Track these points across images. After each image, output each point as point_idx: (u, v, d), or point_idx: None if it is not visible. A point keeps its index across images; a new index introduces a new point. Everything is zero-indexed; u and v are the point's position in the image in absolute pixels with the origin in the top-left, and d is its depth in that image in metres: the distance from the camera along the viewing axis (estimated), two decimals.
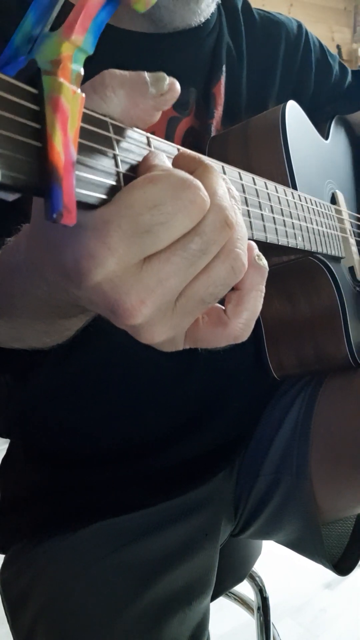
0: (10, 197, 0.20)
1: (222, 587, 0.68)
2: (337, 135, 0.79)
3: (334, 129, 0.77)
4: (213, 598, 0.61)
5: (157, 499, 0.62)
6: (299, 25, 0.74)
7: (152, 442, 0.63)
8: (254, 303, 0.29)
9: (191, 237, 0.25)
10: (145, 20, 0.55)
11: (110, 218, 0.23)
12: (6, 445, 0.70)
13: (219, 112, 0.61)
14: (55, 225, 0.24)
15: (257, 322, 0.64)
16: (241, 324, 0.29)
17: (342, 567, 0.65)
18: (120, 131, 0.24)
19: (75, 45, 0.20)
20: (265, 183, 0.40)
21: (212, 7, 0.59)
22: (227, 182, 0.28)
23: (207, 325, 0.29)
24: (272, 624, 0.77)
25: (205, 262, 0.26)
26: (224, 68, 0.63)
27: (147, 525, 0.60)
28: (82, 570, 0.56)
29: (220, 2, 0.65)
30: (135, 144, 0.26)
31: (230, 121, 0.62)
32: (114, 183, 0.24)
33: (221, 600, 0.72)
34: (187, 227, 0.24)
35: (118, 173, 0.24)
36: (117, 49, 0.55)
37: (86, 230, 0.23)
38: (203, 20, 0.59)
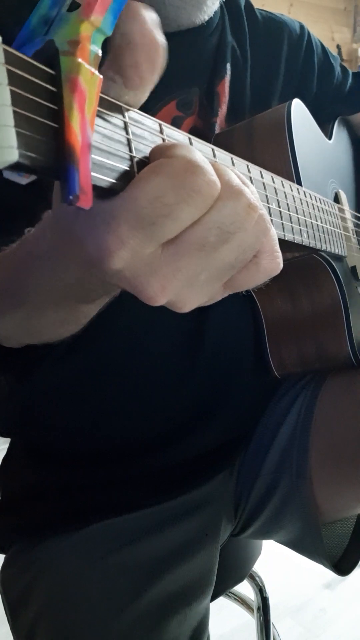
0: (24, 180, 0.20)
1: (222, 587, 0.68)
2: (340, 136, 0.78)
3: (337, 130, 0.77)
4: (213, 598, 0.61)
5: (157, 499, 0.62)
6: (302, 26, 0.75)
7: (153, 441, 0.63)
8: (265, 230, 0.29)
9: (209, 230, 0.25)
10: None
11: (118, 211, 0.23)
12: (6, 446, 0.69)
13: (222, 110, 0.61)
14: (75, 216, 0.24)
15: (259, 319, 0.64)
16: (268, 256, 0.29)
17: (342, 567, 0.65)
18: (134, 117, 0.24)
19: (94, 25, 0.20)
20: (272, 177, 0.40)
21: (216, 6, 0.59)
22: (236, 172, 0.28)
23: (240, 272, 0.29)
24: (272, 624, 0.77)
25: (230, 247, 0.26)
26: (228, 66, 0.62)
27: (148, 525, 0.59)
28: (82, 570, 0.55)
29: (223, 1, 0.65)
30: (148, 131, 0.26)
31: (234, 120, 0.61)
32: (127, 168, 0.23)
33: (221, 600, 0.71)
34: (194, 217, 0.24)
35: (132, 158, 0.24)
36: None
37: (100, 222, 0.23)
38: (207, 18, 0.59)
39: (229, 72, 0.62)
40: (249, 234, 0.26)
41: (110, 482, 0.62)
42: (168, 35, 0.60)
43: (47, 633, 0.53)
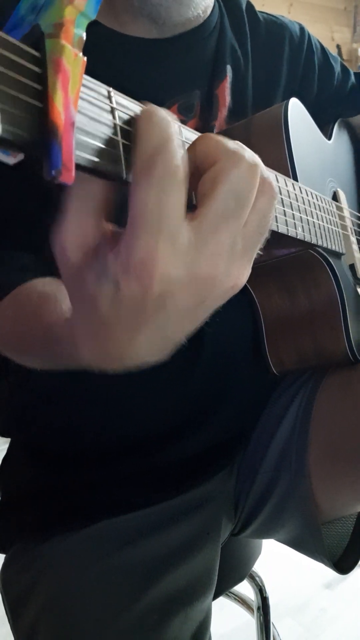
0: (12, 159, 0.21)
1: (222, 587, 0.68)
2: (340, 137, 0.79)
3: (337, 130, 0.77)
4: (213, 598, 0.61)
5: (158, 498, 0.62)
6: (302, 28, 0.75)
7: (153, 440, 0.63)
8: (271, 190, 0.31)
9: (226, 201, 0.27)
10: (147, 21, 0.56)
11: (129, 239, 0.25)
12: (6, 446, 0.69)
13: (222, 113, 0.61)
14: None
15: (257, 316, 0.64)
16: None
17: (342, 566, 0.65)
18: (120, 102, 0.25)
19: (78, 9, 0.21)
20: None
21: (209, 0, 0.59)
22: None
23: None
24: (272, 624, 0.77)
25: (250, 211, 0.28)
26: (228, 68, 0.62)
27: (149, 524, 0.59)
28: (83, 569, 0.55)
29: (222, 2, 0.65)
30: (134, 115, 0.26)
31: (236, 121, 0.61)
32: (113, 150, 0.24)
33: (221, 600, 0.71)
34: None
35: (117, 142, 0.25)
36: (122, 56, 0.56)
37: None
38: (200, 14, 0.59)
39: (229, 73, 0.62)
40: (260, 192, 0.29)
41: (111, 481, 0.62)
42: (167, 40, 0.60)
43: (48, 633, 0.53)
